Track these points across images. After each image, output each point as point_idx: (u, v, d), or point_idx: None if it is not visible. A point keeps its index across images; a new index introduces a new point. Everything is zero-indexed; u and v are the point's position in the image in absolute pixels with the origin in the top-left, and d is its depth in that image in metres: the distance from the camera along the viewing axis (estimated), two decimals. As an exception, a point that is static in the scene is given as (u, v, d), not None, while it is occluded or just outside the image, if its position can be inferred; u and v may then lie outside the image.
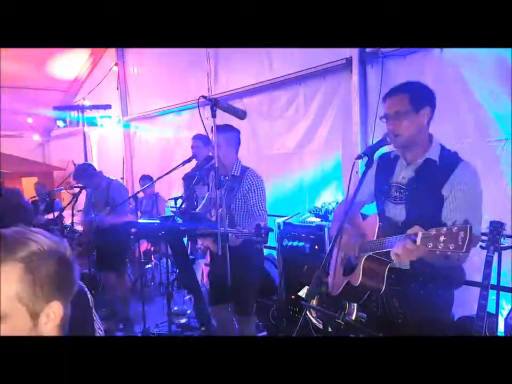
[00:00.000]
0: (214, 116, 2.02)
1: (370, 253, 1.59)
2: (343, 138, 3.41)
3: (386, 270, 1.56)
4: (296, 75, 3.63)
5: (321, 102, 3.57)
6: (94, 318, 1.30)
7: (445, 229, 1.25)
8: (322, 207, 3.14)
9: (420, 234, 1.31)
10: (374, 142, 1.65)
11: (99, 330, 1.32)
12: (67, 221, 4.61)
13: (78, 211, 4.65)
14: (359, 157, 1.55)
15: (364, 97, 3.25)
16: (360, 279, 1.59)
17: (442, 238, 1.24)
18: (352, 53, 3.22)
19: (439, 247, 1.24)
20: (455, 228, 1.23)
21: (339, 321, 1.19)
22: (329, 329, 1.45)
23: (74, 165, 4.38)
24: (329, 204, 3.14)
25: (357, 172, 3.20)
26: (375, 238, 1.61)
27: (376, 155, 1.64)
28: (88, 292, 1.30)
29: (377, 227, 1.62)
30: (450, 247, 1.22)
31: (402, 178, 1.69)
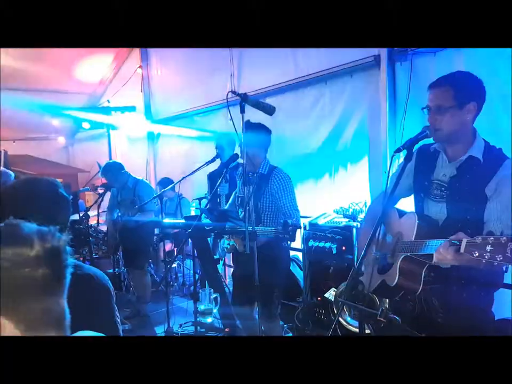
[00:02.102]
0: (242, 111, 2.01)
1: (408, 254, 1.54)
2: (371, 138, 3.34)
3: (424, 271, 1.51)
4: (322, 73, 3.58)
5: (348, 101, 3.50)
6: (115, 309, 1.30)
7: (492, 237, 1.20)
8: (349, 207, 3.07)
9: (464, 242, 1.26)
10: (405, 138, 1.60)
11: (118, 319, 1.32)
12: (92, 221, 4.68)
13: (103, 211, 4.71)
14: (398, 150, 1.50)
15: (393, 95, 3.17)
16: (396, 279, 1.55)
17: (489, 248, 1.19)
18: (381, 50, 3.15)
19: (486, 257, 1.19)
20: (504, 237, 1.17)
21: (381, 319, 1.14)
22: (367, 330, 1.41)
23: (99, 166, 4.46)
24: (357, 204, 3.07)
25: (385, 172, 3.14)
26: (413, 238, 1.55)
27: (416, 148, 1.58)
28: (109, 283, 1.29)
29: (415, 227, 1.56)
30: (498, 258, 1.17)
31: (443, 176, 1.63)
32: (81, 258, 4.28)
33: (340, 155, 3.59)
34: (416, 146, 1.58)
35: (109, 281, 1.29)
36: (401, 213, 1.71)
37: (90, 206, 4.21)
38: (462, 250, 1.25)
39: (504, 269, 1.60)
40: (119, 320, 1.31)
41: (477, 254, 1.21)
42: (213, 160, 3.34)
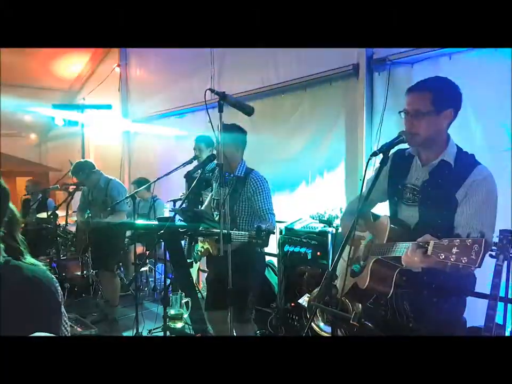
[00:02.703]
0: (221, 110, 1.96)
1: (380, 257, 1.54)
2: (347, 145, 3.38)
3: (395, 274, 1.50)
4: (302, 80, 3.60)
5: (327, 108, 3.54)
6: (63, 315, 1.21)
7: (458, 240, 1.20)
8: (325, 212, 3.07)
9: (431, 244, 1.25)
10: (385, 142, 1.60)
11: (65, 329, 1.22)
12: (61, 221, 4.51)
13: (73, 212, 4.55)
14: (374, 154, 1.49)
15: (370, 104, 3.22)
16: (367, 282, 1.55)
17: (455, 250, 1.18)
18: (360, 59, 3.21)
19: (451, 259, 1.18)
20: (469, 240, 1.17)
21: (354, 323, 1.12)
22: (339, 334, 1.39)
23: (71, 164, 4.31)
24: (332, 209, 3.07)
25: (360, 180, 3.17)
26: (385, 241, 1.56)
27: (391, 152, 1.58)
28: (57, 286, 1.20)
29: (387, 230, 1.57)
30: (463, 260, 1.16)
31: (416, 180, 1.64)
32: (48, 259, 4.10)
33: (317, 161, 3.61)
34: (392, 151, 1.58)
35: (55, 285, 1.18)
36: (375, 217, 1.71)
37: (59, 205, 4.05)
38: (429, 252, 1.25)
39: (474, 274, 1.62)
40: (67, 327, 1.22)
41: (443, 256, 1.20)
42: (189, 162, 3.28)
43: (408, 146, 1.66)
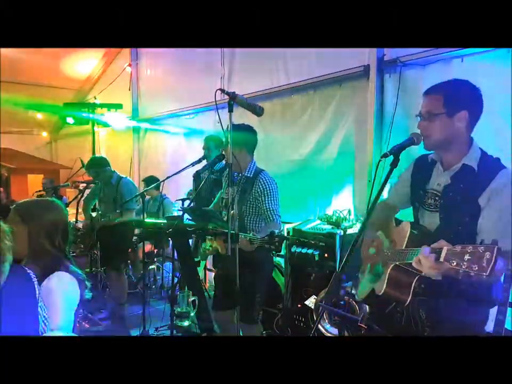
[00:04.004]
0: (231, 110, 1.97)
1: (397, 263, 1.49)
2: (357, 146, 3.35)
3: (414, 282, 1.44)
4: (311, 81, 3.59)
5: (336, 109, 3.52)
6: (40, 309, 1.24)
7: (471, 246, 1.15)
8: (333, 214, 3.06)
9: (444, 250, 1.21)
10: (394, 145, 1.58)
11: (43, 323, 1.25)
12: (71, 218, 4.56)
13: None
14: (385, 155, 1.47)
15: (380, 105, 3.20)
16: (384, 288, 1.51)
17: (467, 257, 1.14)
18: (370, 60, 3.18)
19: (463, 266, 1.14)
20: (482, 247, 1.12)
21: (362, 325, 1.11)
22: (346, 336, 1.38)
23: (82, 162, 4.36)
24: (341, 211, 3.06)
25: (369, 181, 3.14)
26: (403, 247, 1.51)
27: (405, 155, 1.55)
28: (35, 281, 1.23)
29: (407, 235, 1.52)
30: (474, 268, 1.11)
31: (438, 185, 1.60)
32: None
33: (326, 162, 3.59)
34: (408, 154, 1.56)
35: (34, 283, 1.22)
36: (398, 222, 1.67)
37: (70, 202, 4.10)
38: (442, 258, 1.20)
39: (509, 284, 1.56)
40: (43, 325, 1.24)
41: (455, 263, 1.16)
42: (198, 161, 3.30)
43: (430, 152, 1.63)
